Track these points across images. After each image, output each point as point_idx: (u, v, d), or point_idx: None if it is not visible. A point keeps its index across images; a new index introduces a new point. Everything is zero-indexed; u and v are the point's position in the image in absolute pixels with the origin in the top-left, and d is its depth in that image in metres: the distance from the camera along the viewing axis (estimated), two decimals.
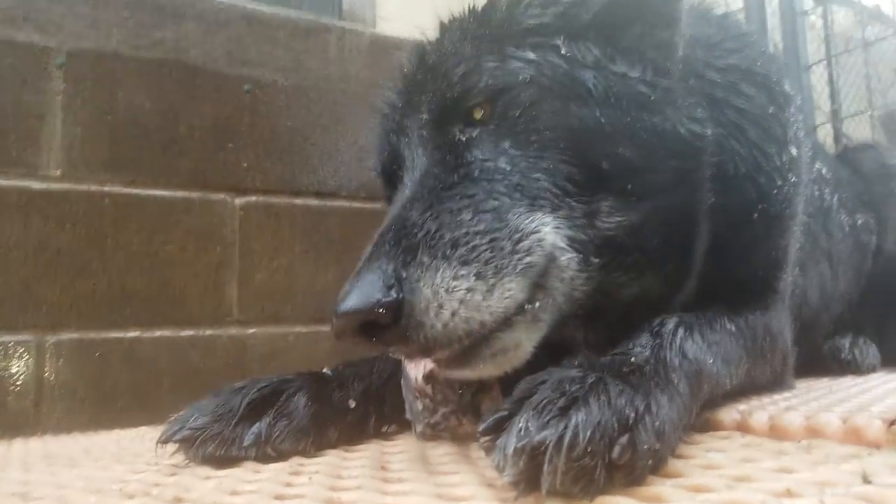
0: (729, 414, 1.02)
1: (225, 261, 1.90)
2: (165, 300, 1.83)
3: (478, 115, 1.02)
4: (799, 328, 1.40)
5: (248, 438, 0.98)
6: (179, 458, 0.98)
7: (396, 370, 1.18)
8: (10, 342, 1.66)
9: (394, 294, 0.82)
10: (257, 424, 1.00)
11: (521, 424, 0.67)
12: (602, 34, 1.07)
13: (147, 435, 1.50)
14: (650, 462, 0.71)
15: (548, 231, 0.93)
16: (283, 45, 2.05)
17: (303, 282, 1.99)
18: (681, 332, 0.96)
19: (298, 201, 2.01)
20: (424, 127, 1.07)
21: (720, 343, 1.02)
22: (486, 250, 0.87)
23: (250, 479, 0.83)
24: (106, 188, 1.79)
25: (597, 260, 0.97)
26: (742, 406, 1.08)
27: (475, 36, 1.09)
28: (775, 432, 0.94)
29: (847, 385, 1.46)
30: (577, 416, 0.67)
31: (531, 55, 1.04)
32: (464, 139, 1.02)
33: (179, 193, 1.87)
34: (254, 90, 1.99)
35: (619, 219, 0.98)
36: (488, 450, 0.70)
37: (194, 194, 1.89)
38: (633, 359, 0.86)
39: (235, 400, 1.02)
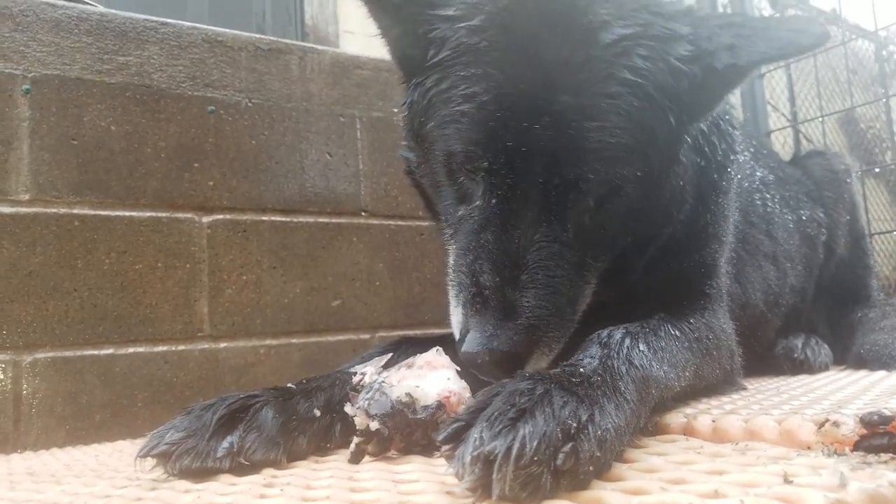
0: (676, 418, 1.11)
1: (194, 277, 1.98)
2: (138, 317, 1.90)
3: (584, 186, 1.14)
4: (746, 328, 1.53)
5: (222, 451, 1.05)
6: (158, 472, 1.05)
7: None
8: None
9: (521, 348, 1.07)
10: (229, 437, 1.07)
11: (475, 435, 0.76)
12: (679, 104, 1.18)
13: (125, 450, 1.57)
14: (592, 468, 0.79)
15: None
16: (246, 67, 2.12)
17: (271, 296, 2.07)
18: (627, 341, 1.08)
19: (265, 218, 2.09)
20: (547, 179, 1.12)
21: (665, 348, 1.15)
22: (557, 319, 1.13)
23: (226, 492, 0.91)
24: (75, 210, 1.85)
25: None
26: (689, 410, 1.17)
27: (590, 57, 1.12)
28: (717, 435, 1.03)
29: (794, 385, 1.56)
30: (525, 428, 0.76)
31: (647, 124, 1.14)
32: (575, 214, 1.15)
33: (147, 213, 1.94)
34: (218, 111, 2.06)
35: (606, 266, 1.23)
36: (448, 458, 0.79)
37: (162, 214, 1.96)
38: (581, 370, 0.97)
39: (207, 416, 1.09)
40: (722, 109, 1.48)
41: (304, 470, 1.06)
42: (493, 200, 1.16)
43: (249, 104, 2.11)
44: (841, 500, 0.66)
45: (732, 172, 1.47)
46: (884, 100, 4.68)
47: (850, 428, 0.90)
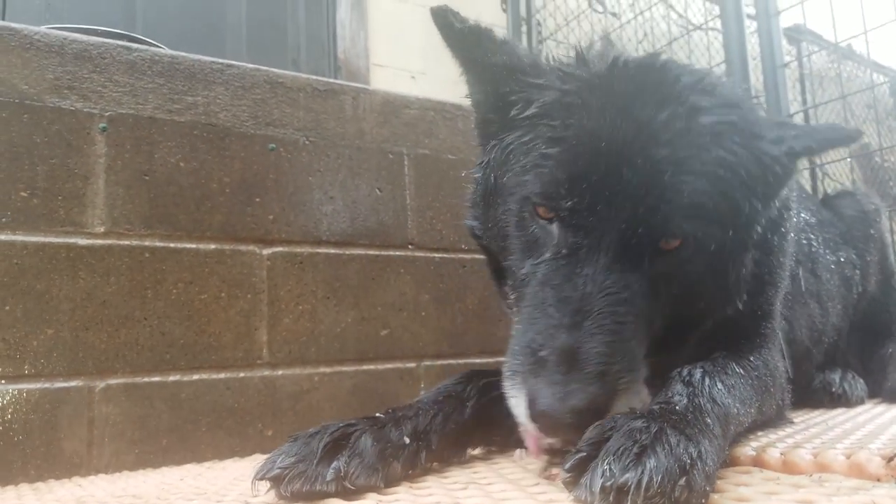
0: (744, 451, 1.18)
1: (255, 307, 2.06)
2: (202, 345, 1.98)
3: (666, 247, 1.16)
4: (792, 364, 1.61)
5: (329, 475, 1.09)
6: (270, 496, 1.13)
7: (438, 411, 1.36)
8: (63, 388, 1.78)
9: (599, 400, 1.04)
10: (335, 463, 1.11)
11: (604, 467, 0.84)
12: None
13: (203, 473, 1.64)
14: (703, 500, 0.87)
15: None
16: (304, 107, 2.23)
17: (325, 325, 2.16)
18: (707, 380, 1.14)
19: (320, 250, 2.18)
20: (623, 227, 1.13)
21: (735, 386, 1.21)
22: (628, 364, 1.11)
23: None
24: (146, 243, 1.94)
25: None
26: (754, 443, 1.25)
27: (687, 128, 1.16)
28: (787, 467, 1.10)
29: (841, 420, 1.63)
30: (650, 462, 0.84)
31: (730, 200, 1.19)
32: (647, 265, 1.15)
33: (212, 246, 2.03)
34: (278, 149, 2.16)
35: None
36: (569, 485, 0.87)
37: (226, 246, 2.05)
38: (676, 407, 1.04)
39: (314, 443, 1.13)
40: None
41: (406, 494, 1.13)
42: (564, 250, 1.15)
43: (307, 142, 2.21)
44: None
45: (790, 217, 1.56)
46: None
47: None
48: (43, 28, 1.91)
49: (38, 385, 1.76)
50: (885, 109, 5.03)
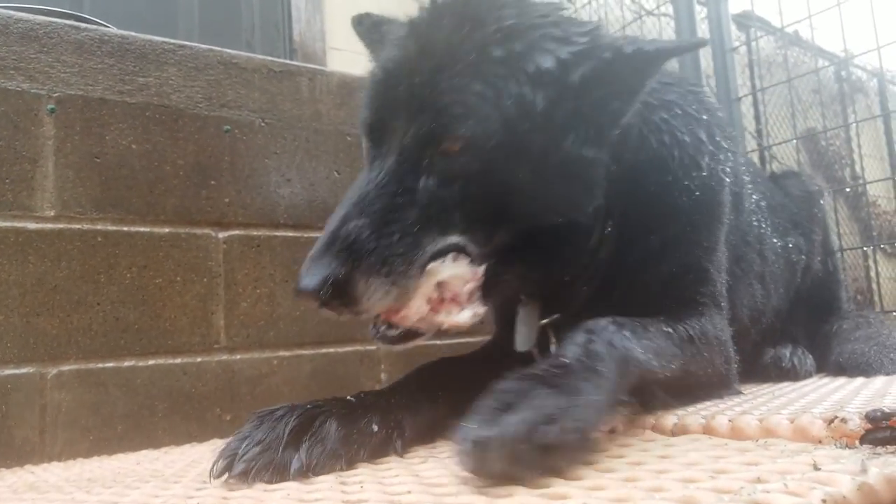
0: (695, 419, 1.23)
1: (211, 291, 2.04)
2: (158, 330, 1.96)
3: (449, 148, 1.23)
4: (735, 341, 1.67)
5: (294, 465, 1.09)
6: (225, 477, 1.11)
7: (410, 399, 1.37)
8: (13, 375, 1.75)
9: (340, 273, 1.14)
10: (298, 453, 1.10)
11: (469, 427, 0.91)
12: (574, 94, 1.27)
13: (160, 458, 1.63)
14: (576, 442, 0.94)
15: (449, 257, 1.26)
16: (259, 88, 2.20)
17: (284, 309, 2.15)
18: (611, 327, 1.22)
19: (278, 233, 2.17)
20: (404, 134, 1.25)
21: (651, 338, 1.27)
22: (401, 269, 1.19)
23: (309, 489, 1.00)
24: (98, 227, 1.90)
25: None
26: (704, 412, 1.29)
27: (470, 39, 1.25)
28: (735, 433, 1.14)
29: (787, 391, 1.69)
30: (510, 418, 0.91)
31: (513, 95, 1.23)
32: (428, 165, 1.23)
33: (166, 229, 2.00)
34: (233, 130, 2.13)
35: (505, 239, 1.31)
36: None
37: (181, 230, 2.02)
38: (565, 360, 1.10)
39: (280, 428, 1.12)
40: (717, 122, 1.64)
41: (366, 469, 1.14)
42: (368, 162, 1.32)
43: (263, 124, 2.19)
44: (865, 482, 0.79)
45: (725, 185, 1.59)
46: (853, 123, 4.95)
47: (856, 424, 1.04)
48: None
49: None
50: (829, 94, 5.20)
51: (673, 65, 3.47)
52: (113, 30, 2.04)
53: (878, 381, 1.81)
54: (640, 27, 3.86)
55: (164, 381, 1.95)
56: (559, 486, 0.88)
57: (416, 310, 1.23)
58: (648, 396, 1.29)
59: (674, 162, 1.49)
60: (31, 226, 1.81)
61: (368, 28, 1.62)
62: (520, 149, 1.25)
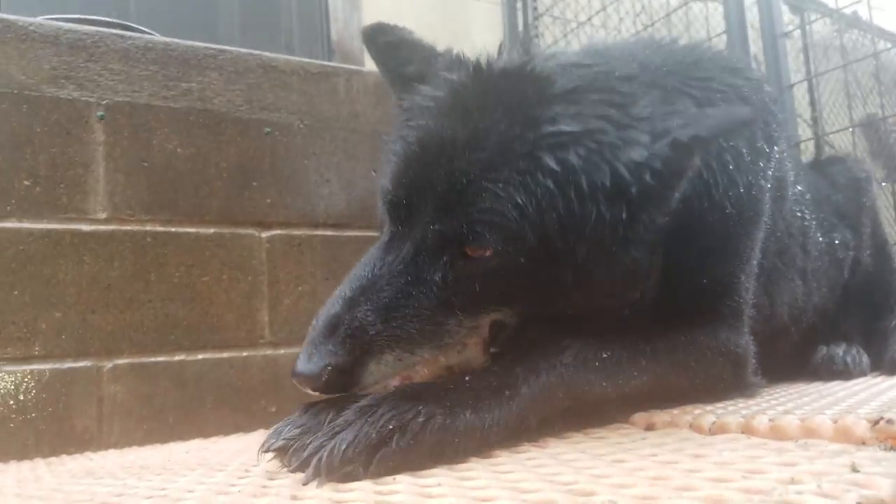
0: (734, 418, 1.21)
1: (255, 289, 2.11)
2: (205, 326, 2.04)
3: (473, 251, 1.17)
4: (768, 338, 1.64)
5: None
6: (271, 465, 1.17)
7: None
8: (72, 368, 1.85)
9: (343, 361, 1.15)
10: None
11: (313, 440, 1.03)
12: (628, 202, 1.20)
13: (208, 447, 1.71)
14: (414, 456, 1.00)
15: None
16: (297, 90, 2.26)
17: None
18: (552, 351, 1.22)
19: (318, 232, 2.23)
20: (429, 223, 1.18)
21: (609, 359, 1.25)
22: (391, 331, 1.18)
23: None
24: (147, 228, 1.99)
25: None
26: (745, 411, 1.28)
27: (522, 140, 1.16)
28: (775, 433, 1.12)
29: (835, 390, 1.65)
30: (343, 435, 0.99)
31: (560, 211, 1.15)
32: (448, 262, 1.18)
33: (212, 230, 2.08)
34: (273, 133, 2.20)
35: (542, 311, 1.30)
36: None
37: (225, 230, 2.10)
38: (468, 379, 1.14)
39: (322, 416, 1.15)
40: (762, 120, 1.57)
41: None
42: (387, 237, 1.24)
43: (301, 125, 2.25)
44: None
45: (765, 191, 1.55)
46: None
47: None
48: (38, 19, 1.94)
49: (49, 365, 1.83)
50: (892, 78, 4.97)
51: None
52: (157, 37, 2.12)
53: None
54: (686, 14, 3.78)
55: (213, 375, 2.04)
56: (586, 484, 0.90)
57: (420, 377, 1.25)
58: (578, 409, 1.27)
59: (717, 188, 1.43)
60: (85, 227, 1.91)
61: (382, 49, 1.49)
62: (558, 258, 1.20)
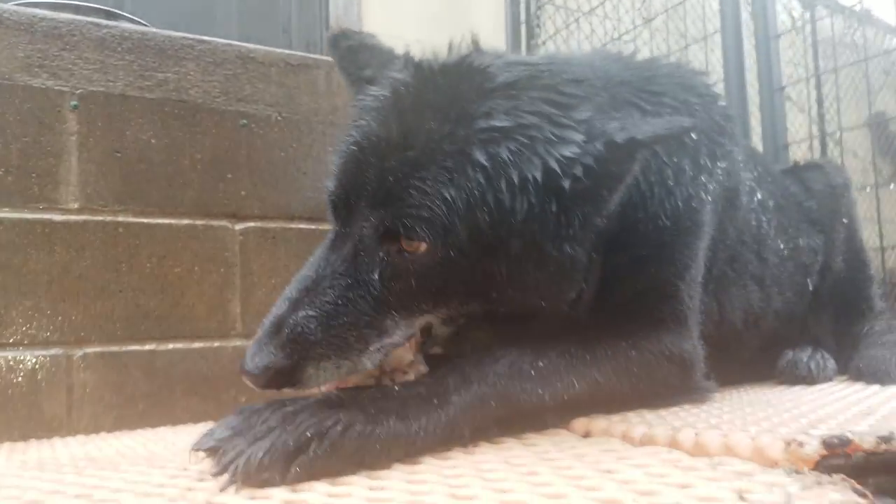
0: (664, 430, 1.21)
1: (228, 281, 2.13)
2: (177, 317, 2.06)
3: (408, 248, 1.19)
4: (721, 344, 1.63)
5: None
6: (207, 464, 1.18)
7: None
8: (42, 356, 1.88)
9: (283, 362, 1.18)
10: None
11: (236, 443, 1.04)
12: (559, 197, 1.22)
13: (168, 437, 1.73)
14: (332, 463, 1.02)
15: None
16: (276, 82, 2.26)
17: None
18: (487, 360, 1.24)
19: (293, 225, 2.24)
20: (366, 220, 1.21)
21: (544, 367, 1.27)
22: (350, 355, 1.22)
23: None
24: (119, 218, 2.01)
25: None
26: (677, 423, 1.28)
27: (453, 136, 1.18)
28: (698, 448, 1.12)
29: (786, 398, 1.64)
30: (262, 442, 1.01)
31: (490, 205, 1.17)
32: (385, 259, 1.20)
33: (185, 221, 2.09)
34: (249, 125, 2.20)
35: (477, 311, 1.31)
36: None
37: (198, 222, 2.11)
38: (397, 388, 1.18)
39: (263, 417, 1.13)
40: (706, 135, 1.60)
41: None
42: (332, 235, 1.29)
43: (279, 118, 2.25)
44: None
45: (705, 204, 1.56)
46: None
47: (813, 448, 1.01)
48: (11, 5, 1.95)
49: (19, 353, 1.86)
50: None
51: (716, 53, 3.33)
52: (133, 26, 2.13)
53: (891, 391, 1.73)
54: (684, 8, 3.71)
55: (183, 364, 2.06)
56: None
57: (357, 381, 1.27)
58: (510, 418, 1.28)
59: (653, 200, 1.46)
60: (57, 217, 1.93)
61: (344, 54, 1.54)
62: (491, 252, 1.22)
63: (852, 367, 2.03)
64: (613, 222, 1.38)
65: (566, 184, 1.20)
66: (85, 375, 1.93)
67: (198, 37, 2.17)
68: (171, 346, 2.05)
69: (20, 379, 1.85)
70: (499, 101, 1.22)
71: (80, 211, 1.96)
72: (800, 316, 2.12)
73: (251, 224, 2.18)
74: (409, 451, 1.12)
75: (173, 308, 2.06)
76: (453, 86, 1.24)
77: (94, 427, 1.92)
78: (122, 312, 1.99)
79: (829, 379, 1.99)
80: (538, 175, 1.19)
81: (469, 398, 1.19)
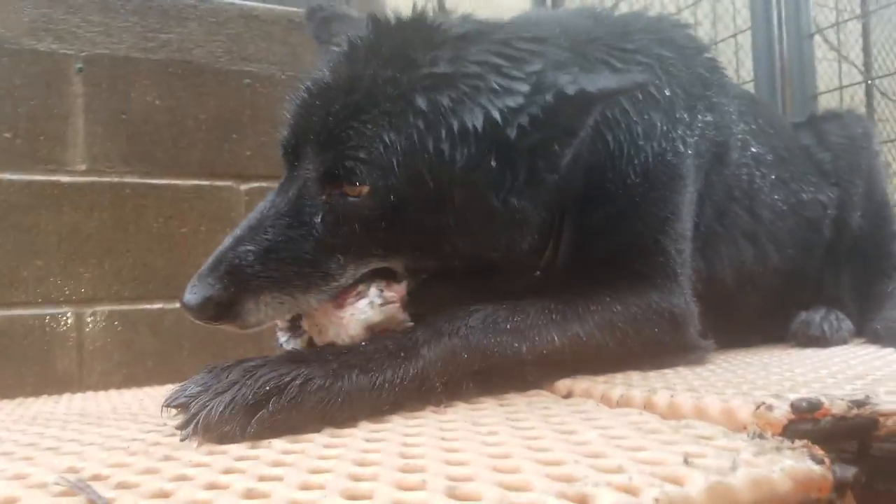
0: (640, 392, 1.19)
1: None
2: (184, 276, 2.04)
3: (349, 191, 1.20)
4: (713, 304, 1.57)
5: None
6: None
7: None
8: (54, 314, 1.95)
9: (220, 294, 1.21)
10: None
11: (198, 400, 1.05)
12: (504, 147, 1.20)
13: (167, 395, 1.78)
14: (295, 415, 1.03)
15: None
16: (279, 40, 2.24)
17: None
18: (460, 314, 1.23)
19: None
20: (310, 164, 1.23)
21: (522, 322, 1.25)
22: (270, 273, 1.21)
23: None
24: (126, 179, 2.04)
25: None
26: (657, 384, 1.25)
27: (396, 81, 1.19)
28: (671, 411, 1.09)
29: (786, 361, 1.59)
30: (223, 396, 1.03)
31: (429, 151, 1.17)
32: (327, 202, 1.21)
33: (190, 182, 2.11)
34: (253, 84, 2.19)
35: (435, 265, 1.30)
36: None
37: (204, 182, 2.13)
38: (365, 343, 1.18)
39: (228, 373, 1.16)
40: (686, 87, 1.56)
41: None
42: (282, 179, 1.30)
43: (283, 76, 2.23)
44: (722, 482, 0.74)
45: (683, 157, 1.51)
46: None
47: (781, 412, 0.96)
48: None
49: (31, 311, 1.93)
50: None
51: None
52: None
53: None
54: (714, 7, 3.53)
55: (190, 323, 2.09)
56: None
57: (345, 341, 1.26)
58: (492, 370, 1.26)
59: (621, 157, 1.43)
60: (65, 179, 1.97)
61: (318, 24, 1.57)
62: (434, 201, 1.21)
63: (870, 329, 1.94)
64: (578, 180, 1.36)
65: (511, 134, 1.19)
66: (94, 333, 1.99)
67: None
68: (178, 305, 2.08)
69: (33, 337, 1.91)
70: (446, 51, 1.22)
71: (87, 172, 2.00)
72: (811, 275, 2.02)
73: (256, 184, 2.19)
74: (375, 406, 1.12)
75: (180, 267, 2.09)
76: (405, 38, 1.24)
77: (104, 384, 1.99)
78: (130, 272, 2.04)
79: (844, 341, 1.91)
80: (479, 124, 1.18)
81: (439, 351, 1.18)
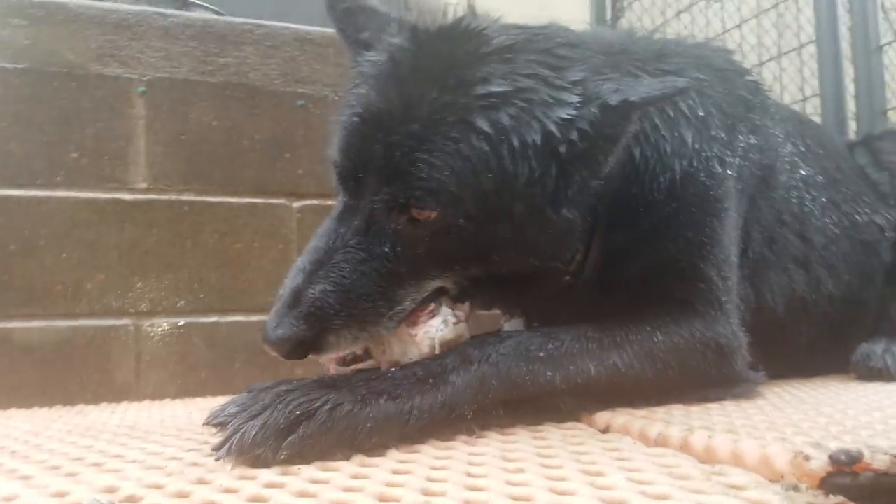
0: (678, 431, 1.15)
1: (286, 256, 2.21)
2: (237, 290, 2.16)
3: (418, 217, 1.21)
4: (762, 334, 1.52)
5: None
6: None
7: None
8: (113, 326, 2.04)
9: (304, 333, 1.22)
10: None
11: (232, 422, 1.08)
12: (558, 159, 1.22)
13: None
14: (325, 440, 1.05)
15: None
16: (333, 63, 2.29)
17: None
18: (491, 341, 1.24)
19: None
20: (375, 193, 1.22)
21: (555, 350, 1.25)
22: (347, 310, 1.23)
23: None
24: (184, 197, 2.13)
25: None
26: (697, 423, 1.22)
27: (453, 106, 1.19)
28: (708, 454, 1.05)
29: (842, 397, 1.53)
30: (256, 420, 1.05)
31: (494, 171, 1.19)
32: (396, 230, 1.22)
33: (245, 199, 2.18)
34: (307, 105, 2.25)
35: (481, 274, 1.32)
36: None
37: (258, 200, 2.19)
38: (394, 371, 1.19)
39: (263, 396, 1.21)
40: (723, 107, 1.53)
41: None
42: (341, 207, 1.30)
43: (336, 97, 2.28)
44: None
45: (719, 178, 1.47)
46: None
47: (819, 463, 0.92)
48: (85, 0, 2.09)
49: (92, 322, 2.03)
50: None
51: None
52: (196, 14, 2.22)
53: None
54: (778, 21, 3.41)
55: (243, 336, 2.17)
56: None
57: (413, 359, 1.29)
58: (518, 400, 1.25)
59: (646, 173, 1.42)
60: (127, 197, 2.07)
61: (341, 15, 1.53)
62: (496, 217, 1.23)
63: None
64: (610, 192, 1.36)
65: (563, 147, 1.21)
66: (152, 345, 2.08)
67: (257, 21, 2.23)
68: (232, 318, 2.16)
69: (93, 347, 2.01)
70: (495, 65, 1.22)
71: (147, 190, 2.09)
72: (871, 302, 1.93)
73: (308, 202, 2.24)
74: (403, 432, 1.13)
75: (234, 282, 2.16)
76: (449, 51, 1.24)
77: (159, 393, 2.07)
78: (186, 285, 2.12)
79: None
80: (538, 139, 1.20)
81: (468, 378, 1.18)
